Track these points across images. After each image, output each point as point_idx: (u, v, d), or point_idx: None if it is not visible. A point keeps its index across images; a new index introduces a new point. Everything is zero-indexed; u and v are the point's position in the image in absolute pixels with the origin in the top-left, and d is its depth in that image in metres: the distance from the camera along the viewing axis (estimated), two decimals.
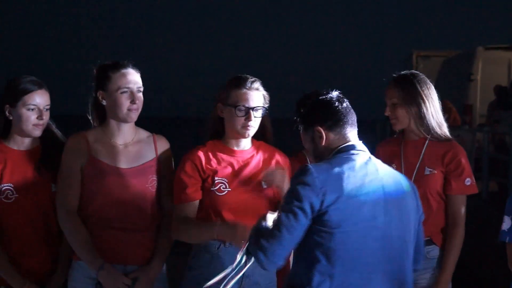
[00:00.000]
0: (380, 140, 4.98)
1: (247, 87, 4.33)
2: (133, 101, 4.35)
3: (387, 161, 4.81)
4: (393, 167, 4.77)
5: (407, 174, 4.71)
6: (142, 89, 4.42)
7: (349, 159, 3.58)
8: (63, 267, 4.51)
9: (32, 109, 4.42)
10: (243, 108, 4.30)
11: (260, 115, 4.37)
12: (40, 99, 4.44)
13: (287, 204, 3.47)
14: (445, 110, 5.00)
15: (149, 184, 4.39)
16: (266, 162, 4.44)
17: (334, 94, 3.74)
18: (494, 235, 4.89)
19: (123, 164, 4.39)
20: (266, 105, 4.40)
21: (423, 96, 4.78)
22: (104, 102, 4.41)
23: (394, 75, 4.88)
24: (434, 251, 4.76)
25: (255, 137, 4.47)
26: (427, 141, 4.81)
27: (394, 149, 4.87)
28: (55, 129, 4.59)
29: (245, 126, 4.30)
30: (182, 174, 4.32)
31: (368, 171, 3.59)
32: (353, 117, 3.73)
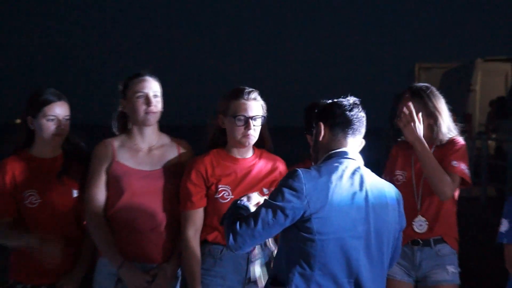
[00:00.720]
0: (385, 147, 5.01)
1: (245, 98, 4.36)
2: (148, 104, 4.41)
3: (399, 166, 4.85)
4: (404, 173, 4.81)
5: (417, 178, 4.77)
6: (159, 94, 4.48)
7: (337, 168, 3.55)
8: (82, 263, 4.56)
9: (52, 120, 4.47)
10: (242, 117, 4.33)
11: (259, 124, 4.39)
12: (59, 110, 4.49)
13: (271, 200, 3.45)
14: None
15: (171, 186, 4.42)
16: (268, 169, 4.46)
17: (351, 100, 3.70)
18: (493, 238, 4.90)
19: (147, 166, 4.45)
20: (264, 114, 4.42)
21: (439, 109, 4.83)
22: (125, 109, 4.49)
23: (411, 86, 4.91)
24: (445, 249, 4.81)
25: (256, 146, 4.49)
26: (433, 148, 4.84)
27: (409, 153, 4.89)
28: (76, 138, 4.64)
29: (245, 135, 4.33)
30: (188, 182, 4.34)
31: (354, 181, 3.55)
32: (358, 126, 3.67)
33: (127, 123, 4.53)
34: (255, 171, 4.42)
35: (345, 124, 3.64)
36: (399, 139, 5.02)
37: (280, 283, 3.53)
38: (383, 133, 21.42)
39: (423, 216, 4.79)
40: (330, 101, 3.72)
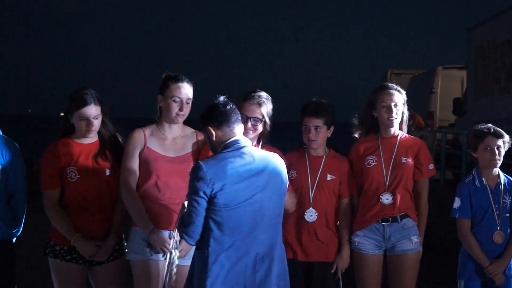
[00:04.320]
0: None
1: (250, 102, 4.44)
2: (181, 109, 4.44)
3: (368, 153, 4.84)
4: (373, 159, 4.80)
5: (387, 163, 4.76)
6: (191, 98, 4.49)
7: (232, 154, 3.73)
8: (115, 231, 4.57)
9: (83, 120, 4.49)
10: (244, 116, 4.36)
11: (257, 123, 4.42)
12: (90, 112, 4.49)
13: (189, 195, 3.71)
14: (410, 116, 5.06)
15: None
16: None
17: (221, 99, 3.88)
18: (449, 212, 4.90)
19: (171, 153, 4.47)
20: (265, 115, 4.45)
21: (405, 103, 4.85)
22: (161, 104, 4.50)
23: (391, 84, 4.91)
24: (409, 222, 4.79)
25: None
26: (399, 137, 4.84)
27: (373, 144, 4.87)
28: (110, 128, 4.64)
29: (246, 131, 4.32)
30: None
31: (247, 160, 3.74)
32: (236, 116, 3.84)
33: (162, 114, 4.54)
34: None
35: (227, 119, 3.80)
36: (357, 135, 5.02)
37: (200, 247, 3.76)
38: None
39: (389, 191, 4.75)
40: (207, 107, 3.87)
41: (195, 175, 3.69)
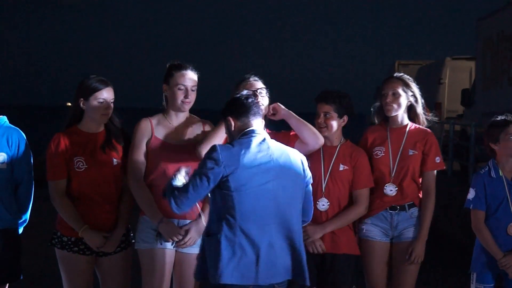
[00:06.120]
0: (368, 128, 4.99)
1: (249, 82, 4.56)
2: (186, 96, 4.44)
3: (376, 144, 4.83)
4: (381, 150, 4.80)
5: (394, 154, 4.75)
6: (196, 85, 4.50)
7: (247, 141, 3.81)
8: (122, 222, 4.55)
9: (101, 102, 4.45)
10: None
11: (264, 95, 4.52)
12: (107, 94, 4.48)
13: (199, 169, 3.77)
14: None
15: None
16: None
17: (244, 92, 4.01)
18: (457, 203, 4.88)
19: (178, 142, 4.47)
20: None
21: (416, 93, 4.83)
22: (166, 93, 4.50)
23: (395, 74, 4.90)
24: (416, 211, 4.81)
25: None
26: (407, 128, 4.84)
27: (381, 134, 4.87)
28: (116, 117, 4.62)
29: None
30: None
31: (261, 148, 3.81)
32: (257, 109, 3.94)
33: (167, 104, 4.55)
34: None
35: (247, 111, 3.89)
36: (371, 125, 5.03)
37: (212, 233, 3.77)
38: (367, 118, 21.47)
39: (393, 183, 4.74)
40: (230, 99, 4.00)
41: (209, 155, 3.76)
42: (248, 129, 3.88)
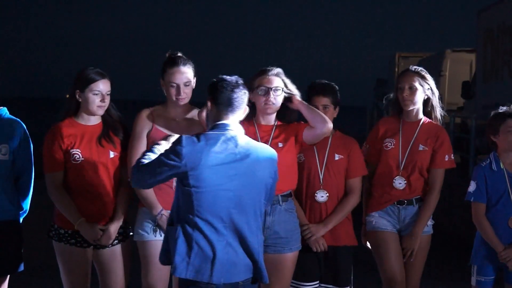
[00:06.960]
0: (369, 122, 4.97)
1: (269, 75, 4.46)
2: (178, 93, 4.42)
3: (388, 136, 4.81)
4: (392, 142, 4.78)
5: (404, 148, 4.74)
6: (191, 80, 4.47)
7: (214, 137, 3.67)
8: (119, 214, 4.54)
9: (97, 94, 4.44)
10: (265, 88, 4.41)
11: (279, 94, 4.44)
12: (103, 86, 4.46)
13: (162, 156, 3.64)
14: None
15: None
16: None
17: (234, 80, 3.79)
18: (457, 195, 4.87)
19: (178, 133, 4.42)
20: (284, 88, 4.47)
21: (432, 85, 4.80)
22: (163, 88, 4.51)
23: (411, 67, 4.85)
24: None
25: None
26: (421, 122, 4.82)
27: (394, 126, 4.85)
28: (113, 110, 4.61)
29: (266, 103, 4.41)
30: None
31: (227, 146, 3.66)
32: (238, 105, 3.76)
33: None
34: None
35: (226, 104, 3.73)
36: (384, 116, 5.01)
37: (174, 223, 3.69)
38: (367, 110, 21.45)
39: (402, 176, 4.73)
40: (217, 79, 3.79)
41: (174, 147, 3.65)
42: (220, 122, 3.74)
